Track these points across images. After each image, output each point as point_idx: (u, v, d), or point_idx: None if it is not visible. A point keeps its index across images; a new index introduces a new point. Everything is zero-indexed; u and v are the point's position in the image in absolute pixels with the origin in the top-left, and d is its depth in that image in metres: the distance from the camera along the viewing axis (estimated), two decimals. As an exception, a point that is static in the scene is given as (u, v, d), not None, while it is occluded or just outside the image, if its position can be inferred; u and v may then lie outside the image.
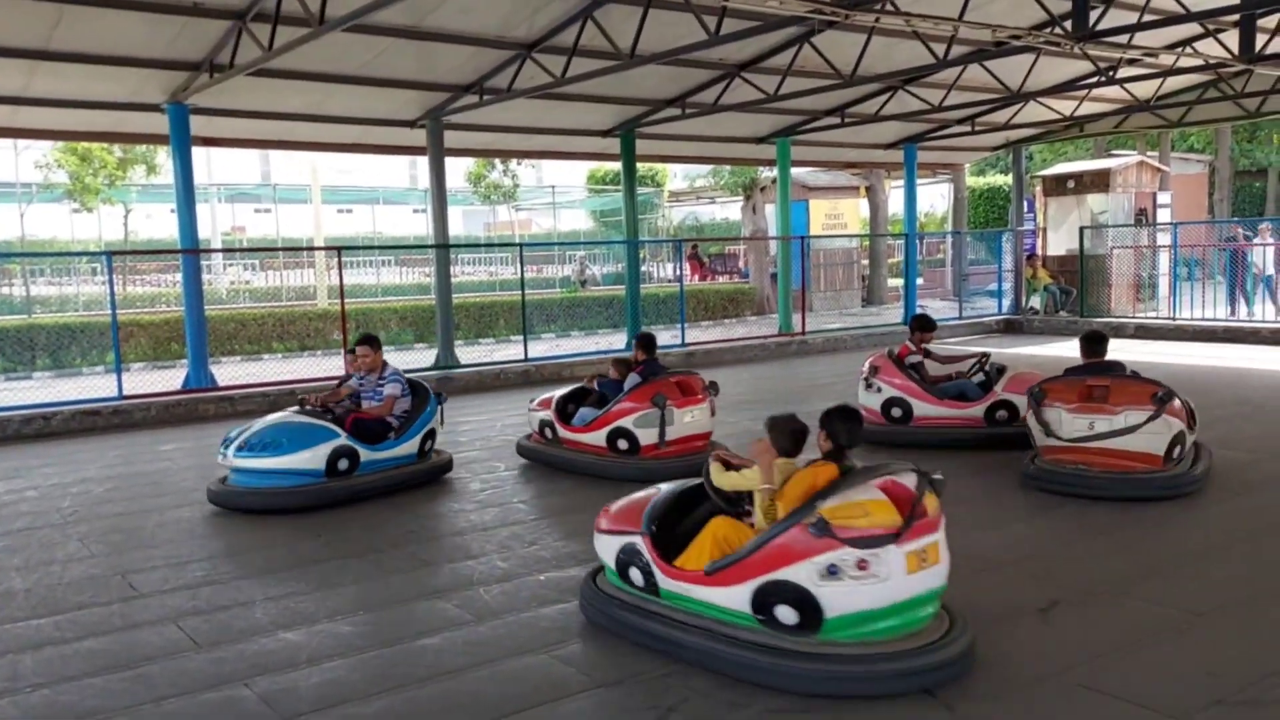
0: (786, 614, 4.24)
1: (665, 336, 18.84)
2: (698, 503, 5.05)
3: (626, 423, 8.16)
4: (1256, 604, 5.10)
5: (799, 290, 19.20)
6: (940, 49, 12.85)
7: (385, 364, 8.36)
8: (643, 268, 24.89)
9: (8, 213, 31.35)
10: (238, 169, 44.51)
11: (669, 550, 4.77)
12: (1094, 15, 11.19)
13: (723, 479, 4.85)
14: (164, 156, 26.11)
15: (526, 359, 15.36)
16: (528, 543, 6.56)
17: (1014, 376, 9.04)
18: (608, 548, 5.02)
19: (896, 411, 9.15)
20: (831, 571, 4.15)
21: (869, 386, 9.33)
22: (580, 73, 12.57)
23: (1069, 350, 16.55)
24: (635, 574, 4.84)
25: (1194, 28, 14.01)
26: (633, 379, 8.46)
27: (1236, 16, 12.47)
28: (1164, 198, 21.42)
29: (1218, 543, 6.18)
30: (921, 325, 9.70)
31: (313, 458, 7.56)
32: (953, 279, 26.43)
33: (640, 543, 4.82)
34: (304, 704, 4.27)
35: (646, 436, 8.13)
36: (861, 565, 4.14)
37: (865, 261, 27.35)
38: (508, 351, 17.36)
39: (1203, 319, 17.97)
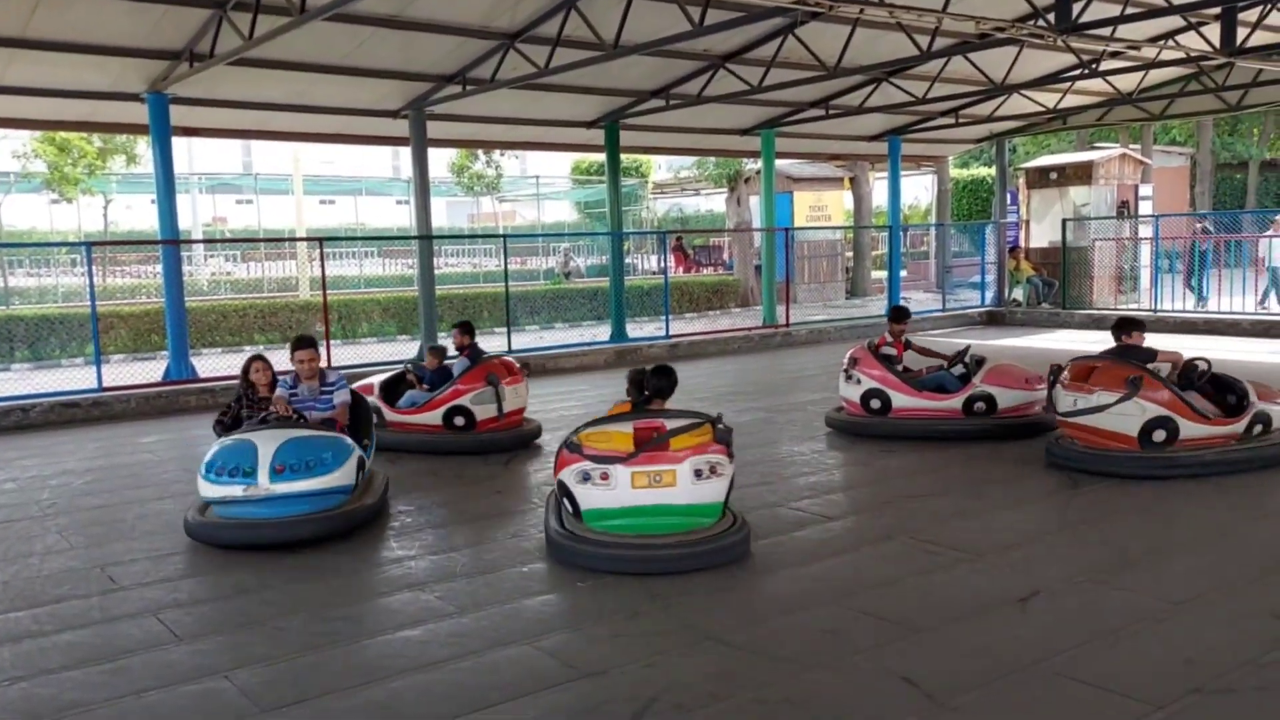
0: (569, 504, 5.92)
1: (650, 328, 18.87)
2: None
3: (464, 401, 8.99)
4: (1235, 592, 5.14)
5: (783, 282, 19.22)
6: (924, 41, 12.85)
7: (323, 369, 7.70)
8: (627, 260, 24.87)
9: (-14, 203, 31.11)
10: (219, 159, 44.27)
11: None
12: (1077, 8, 11.19)
13: None
14: (144, 146, 25.92)
15: (510, 351, 15.33)
16: (510, 534, 6.55)
17: (993, 369, 9.10)
18: None
19: (875, 403, 9.19)
20: (585, 477, 5.78)
21: (849, 378, 9.36)
22: (564, 63, 12.53)
23: (1051, 342, 16.70)
24: None
25: (1176, 20, 14.04)
26: (463, 362, 9.24)
27: (1218, 10, 12.51)
28: (1146, 190, 21.54)
29: (1199, 531, 6.22)
30: (894, 316, 9.81)
31: (348, 471, 6.72)
32: (936, 271, 26.51)
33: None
34: (285, 696, 4.25)
35: (483, 412, 9.00)
36: (604, 476, 5.72)
37: (849, 253, 27.40)
38: (491, 343, 17.26)
39: (1183, 311, 18.08)
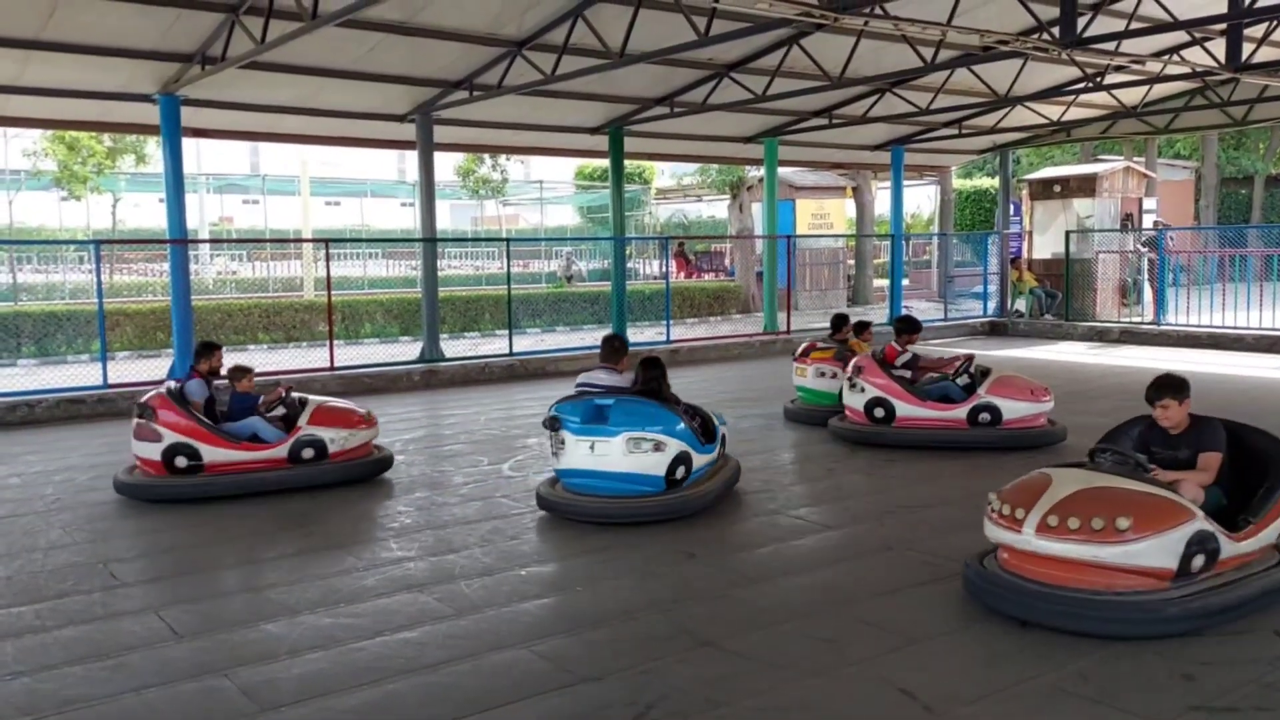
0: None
1: (650, 333, 18.91)
2: None
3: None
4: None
5: (784, 289, 19.25)
6: (928, 53, 12.91)
7: None
8: (629, 264, 24.94)
9: (-4, 200, 31.21)
10: (227, 159, 44.38)
11: None
12: (1082, 22, 11.25)
13: None
14: (153, 146, 26.06)
15: (511, 353, 15.38)
16: (509, 537, 6.58)
17: (998, 380, 9.09)
18: None
19: (879, 412, 9.19)
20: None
21: (853, 386, 9.37)
22: (570, 70, 12.59)
23: (1053, 354, 16.72)
24: None
25: (1181, 36, 14.10)
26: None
27: (1223, 25, 12.55)
28: (1150, 203, 21.55)
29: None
30: (904, 327, 9.81)
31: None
32: (938, 280, 26.53)
33: None
34: (284, 696, 4.29)
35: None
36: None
37: (851, 261, 27.44)
38: (493, 345, 17.38)
39: (1187, 324, 18.09)
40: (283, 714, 4.13)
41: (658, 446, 6.72)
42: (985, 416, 8.95)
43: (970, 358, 9.59)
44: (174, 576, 5.90)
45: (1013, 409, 8.94)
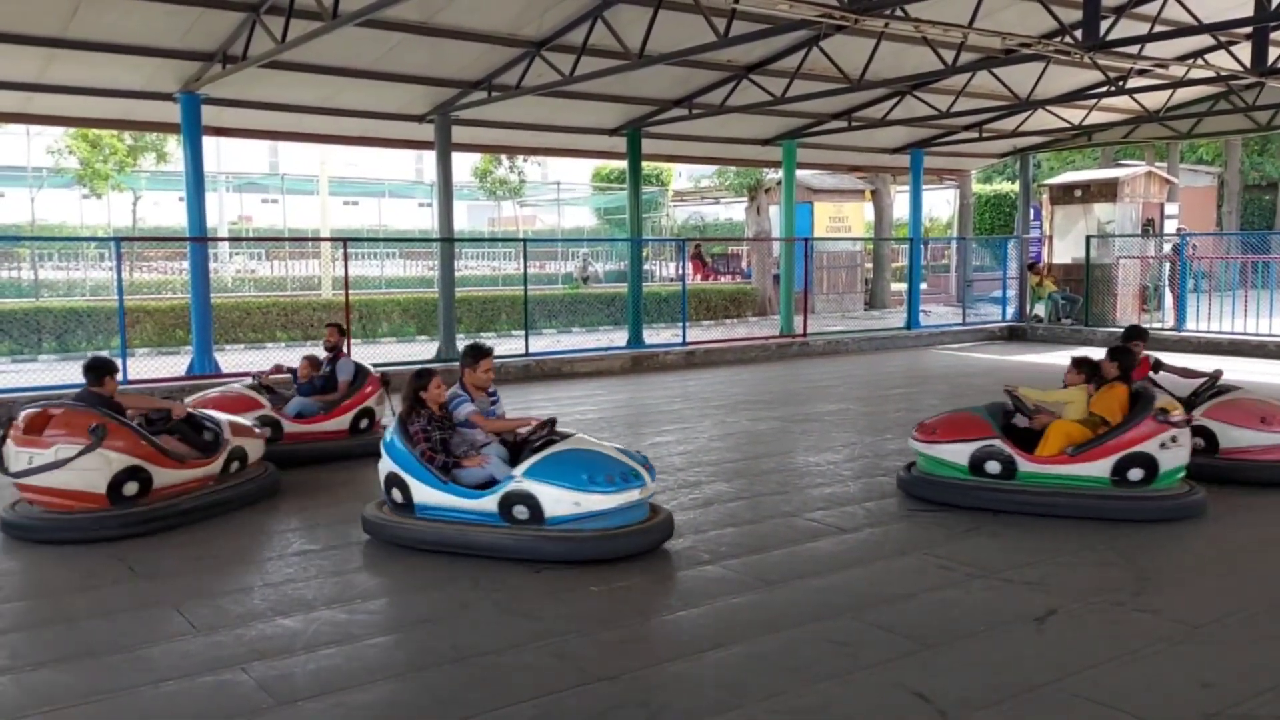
0: (1136, 474, 6.80)
1: (666, 335, 18.90)
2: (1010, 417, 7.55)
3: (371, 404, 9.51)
4: (1253, 618, 5.12)
5: (801, 292, 19.23)
6: (949, 55, 12.85)
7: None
8: (645, 266, 24.95)
9: (18, 197, 31.42)
10: (246, 159, 44.56)
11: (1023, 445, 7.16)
12: (1104, 25, 11.18)
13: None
14: (174, 145, 26.16)
15: (527, 354, 15.40)
16: (526, 537, 6.57)
17: (1222, 402, 7.98)
18: (956, 453, 7.19)
19: None
20: (1163, 445, 6.77)
21: None
22: (589, 71, 12.60)
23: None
24: (993, 465, 7.08)
25: (1205, 39, 13.99)
26: (346, 365, 9.63)
27: (1249, 29, 12.46)
28: (1172, 209, 21.42)
29: (1217, 556, 6.20)
30: (1134, 335, 8.55)
31: None
32: (957, 285, 26.43)
33: (999, 443, 7.09)
34: (300, 690, 4.31)
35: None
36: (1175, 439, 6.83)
37: (869, 265, 27.38)
38: (509, 346, 17.39)
39: (1208, 331, 17.97)
40: (299, 708, 4.14)
41: None
42: (1199, 442, 7.58)
43: (1218, 374, 8.48)
44: (192, 571, 5.92)
45: (1233, 436, 7.77)
